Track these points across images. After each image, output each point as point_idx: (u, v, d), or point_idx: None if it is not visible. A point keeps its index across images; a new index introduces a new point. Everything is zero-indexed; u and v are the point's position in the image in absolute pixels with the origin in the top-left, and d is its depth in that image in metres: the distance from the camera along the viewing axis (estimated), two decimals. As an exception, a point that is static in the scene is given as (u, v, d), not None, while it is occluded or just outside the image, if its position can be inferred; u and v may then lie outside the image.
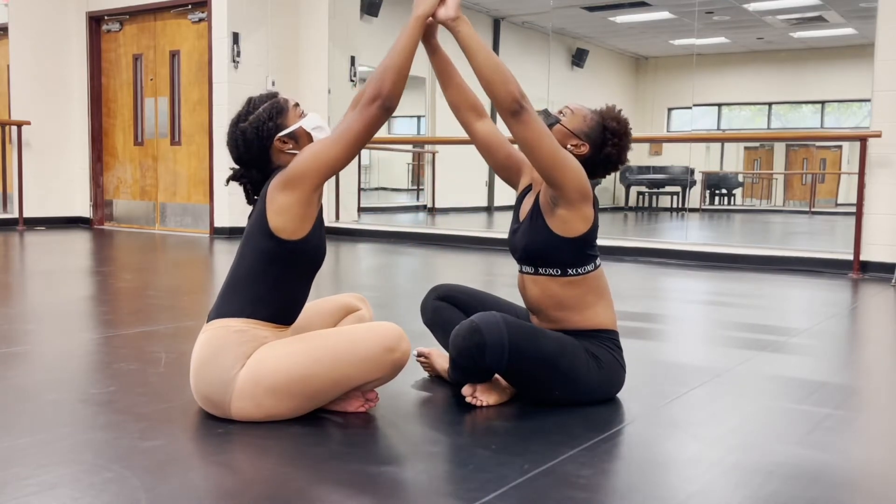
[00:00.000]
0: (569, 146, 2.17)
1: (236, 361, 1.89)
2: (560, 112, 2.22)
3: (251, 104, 2.03)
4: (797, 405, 2.23)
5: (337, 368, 1.89)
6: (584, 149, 2.18)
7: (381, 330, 1.93)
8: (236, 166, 2.05)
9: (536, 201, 2.18)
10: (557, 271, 2.13)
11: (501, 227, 8.35)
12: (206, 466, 1.69)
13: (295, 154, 1.98)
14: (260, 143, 1.98)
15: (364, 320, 2.28)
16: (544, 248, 2.12)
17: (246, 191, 2.06)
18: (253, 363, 1.89)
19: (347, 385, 1.93)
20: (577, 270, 2.13)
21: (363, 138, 1.92)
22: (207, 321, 1.99)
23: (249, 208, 2.05)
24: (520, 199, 2.31)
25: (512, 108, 1.98)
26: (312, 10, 7.81)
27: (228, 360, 1.89)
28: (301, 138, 2.01)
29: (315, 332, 1.96)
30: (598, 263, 2.18)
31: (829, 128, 13.83)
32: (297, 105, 2.05)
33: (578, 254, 2.12)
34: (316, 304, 2.25)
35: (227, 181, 2.08)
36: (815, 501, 1.54)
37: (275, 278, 1.94)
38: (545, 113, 2.22)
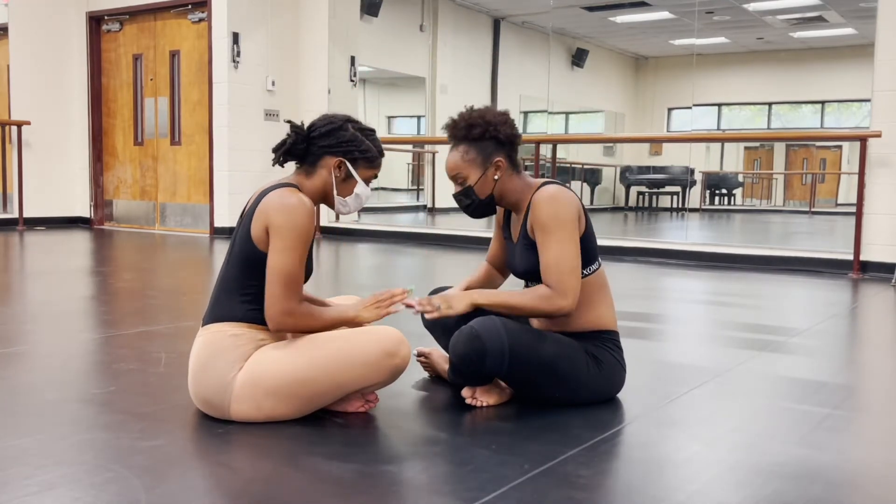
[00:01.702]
0: (494, 178, 2.13)
1: (234, 364, 1.89)
2: (459, 183, 2.15)
3: (371, 134, 2.06)
4: (797, 405, 2.23)
5: (337, 372, 1.89)
6: (501, 164, 2.13)
7: (381, 335, 1.93)
8: (301, 127, 2.03)
9: (524, 226, 2.14)
10: None
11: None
12: (206, 466, 1.69)
13: (331, 181, 2.00)
14: (335, 144, 1.99)
15: (363, 324, 2.29)
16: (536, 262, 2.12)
17: (281, 145, 2.03)
18: (252, 365, 1.89)
19: (347, 388, 1.93)
20: (581, 274, 2.12)
21: (270, 298, 1.89)
22: (203, 325, 1.99)
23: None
24: (507, 217, 2.29)
25: (563, 313, 2.04)
26: (312, 10, 7.81)
27: (226, 364, 1.89)
28: (348, 185, 2.03)
29: (316, 335, 1.95)
30: (599, 263, 2.18)
31: (829, 128, 13.83)
32: (377, 172, 2.08)
33: (581, 259, 2.12)
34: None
35: (289, 121, 2.06)
36: (815, 501, 1.54)
37: (260, 283, 1.93)
38: (456, 196, 2.18)
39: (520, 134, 2.17)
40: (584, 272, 2.12)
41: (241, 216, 2.00)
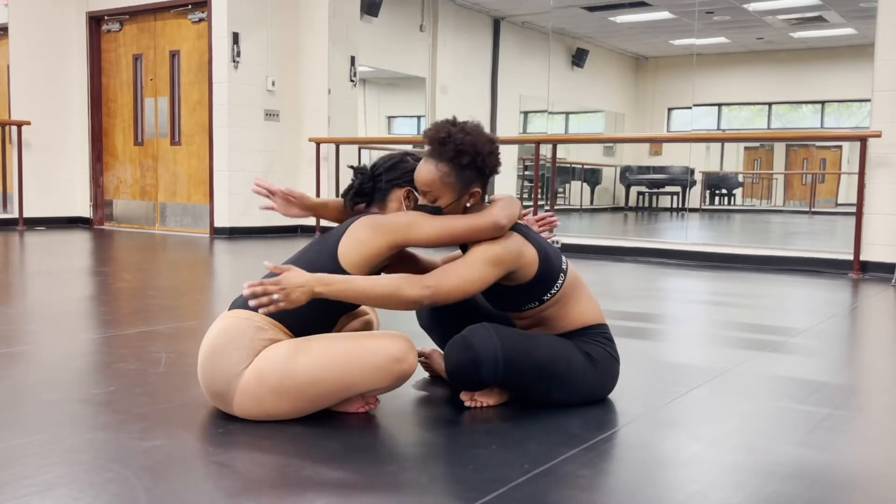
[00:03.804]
0: (466, 206, 2.05)
1: (246, 357, 1.89)
2: (428, 200, 2.04)
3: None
4: (797, 405, 2.23)
5: (343, 375, 1.89)
6: (477, 194, 2.05)
7: (390, 340, 1.92)
8: (365, 168, 2.16)
9: None
10: (535, 304, 2.10)
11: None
12: (206, 466, 1.69)
13: (403, 210, 2.09)
14: (399, 176, 2.10)
15: (371, 325, 2.30)
16: (516, 298, 2.10)
17: (350, 188, 2.16)
18: (259, 362, 1.89)
19: (351, 391, 1.94)
20: (550, 293, 2.09)
21: (452, 237, 1.98)
22: (230, 308, 1.99)
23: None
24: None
25: (415, 303, 1.88)
26: (312, 10, 7.81)
27: (240, 354, 1.89)
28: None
29: (324, 336, 1.95)
30: (564, 273, 2.11)
31: (829, 128, 13.83)
32: None
33: (544, 284, 2.07)
34: None
35: (352, 167, 2.19)
36: (815, 501, 1.54)
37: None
38: (421, 208, 2.05)
39: (501, 163, 2.09)
40: (552, 292, 2.08)
41: (326, 231, 2.07)
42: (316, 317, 1.98)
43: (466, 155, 1.98)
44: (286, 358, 1.88)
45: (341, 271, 1.95)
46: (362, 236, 1.97)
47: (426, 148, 2.05)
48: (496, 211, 2.00)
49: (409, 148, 11.25)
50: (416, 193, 2.07)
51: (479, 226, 1.97)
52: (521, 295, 2.09)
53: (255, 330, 1.91)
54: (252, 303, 1.77)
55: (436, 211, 2.04)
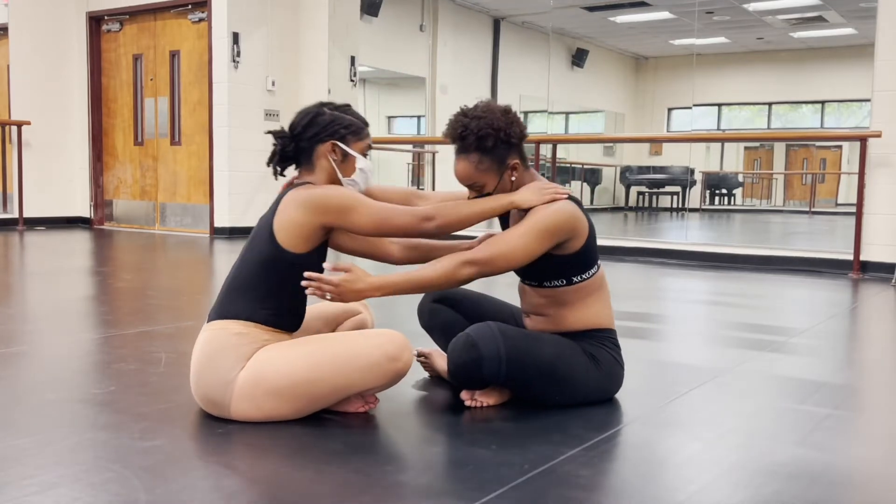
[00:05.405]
0: (511, 180, 2.08)
1: (237, 363, 1.89)
2: (475, 190, 2.09)
3: (347, 108, 2.09)
4: (797, 405, 2.23)
5: (339, 374, 1.89)
6: (517, 165, 2.08)
7: (385, 338, 1.93)
8: (282, 130, 2.07)
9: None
10: (563, 282, 2.11)
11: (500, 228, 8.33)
12: (206, 466, 1.69)
13: (332, 167, 2.03)
14: (319, 132, 2.02)
15: (365, 324, 2.30)
16: (547, 268, 2.10)
17: (273, 155, 2.07)
18: (254, 364, 1.89)
19: (348, 391, 1.94)
20: (581, 277, 2.11)
21: (391, 231, 1.96)
22: (208, 321, 1.99)
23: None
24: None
25: (472, 280, 1.97)
26: (312, 10, 7.81)
27: (228, 362, 1.89)
28: (348, 164, 2.05)
29: (318, 336, 1.96)
30: (598, 265, 2.17)
31: (829, 128, 13.83)
32: (370, 146, 2.11)
33: (582, 262, 2.10)
34: (317, 306, 2.25)
35: (270, 131, 2.10)
36: (815, 501, 1.54)
37: (274, 284, 1.95)
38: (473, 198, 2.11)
39: (526, 126, 2.14)
40: (584, 276, 2.11)
41: (261, 218, 2.01)
42: (284, 305, 1.97)
43: (489, 138, 2.02)
44: (282, 360, 1.88)
45: (282, 252, 1.92)
46: (293, 215, 1.93)
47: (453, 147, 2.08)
48: (464, 209, 2.00)
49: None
50: (340, 146, 2.02)
51: (419, 228, 1.96)
52: (555, 267, 2.08)
53: (236, 337, 1.91)
54: (308, 290, 1.88)
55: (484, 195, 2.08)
